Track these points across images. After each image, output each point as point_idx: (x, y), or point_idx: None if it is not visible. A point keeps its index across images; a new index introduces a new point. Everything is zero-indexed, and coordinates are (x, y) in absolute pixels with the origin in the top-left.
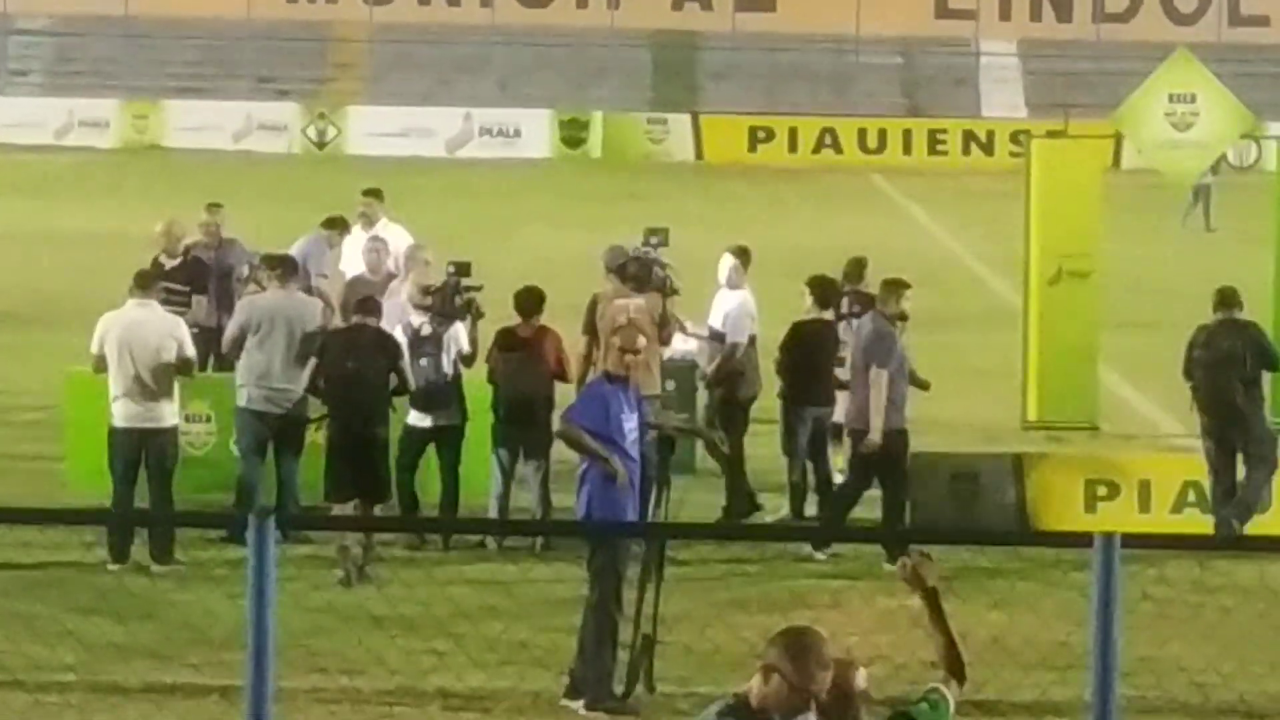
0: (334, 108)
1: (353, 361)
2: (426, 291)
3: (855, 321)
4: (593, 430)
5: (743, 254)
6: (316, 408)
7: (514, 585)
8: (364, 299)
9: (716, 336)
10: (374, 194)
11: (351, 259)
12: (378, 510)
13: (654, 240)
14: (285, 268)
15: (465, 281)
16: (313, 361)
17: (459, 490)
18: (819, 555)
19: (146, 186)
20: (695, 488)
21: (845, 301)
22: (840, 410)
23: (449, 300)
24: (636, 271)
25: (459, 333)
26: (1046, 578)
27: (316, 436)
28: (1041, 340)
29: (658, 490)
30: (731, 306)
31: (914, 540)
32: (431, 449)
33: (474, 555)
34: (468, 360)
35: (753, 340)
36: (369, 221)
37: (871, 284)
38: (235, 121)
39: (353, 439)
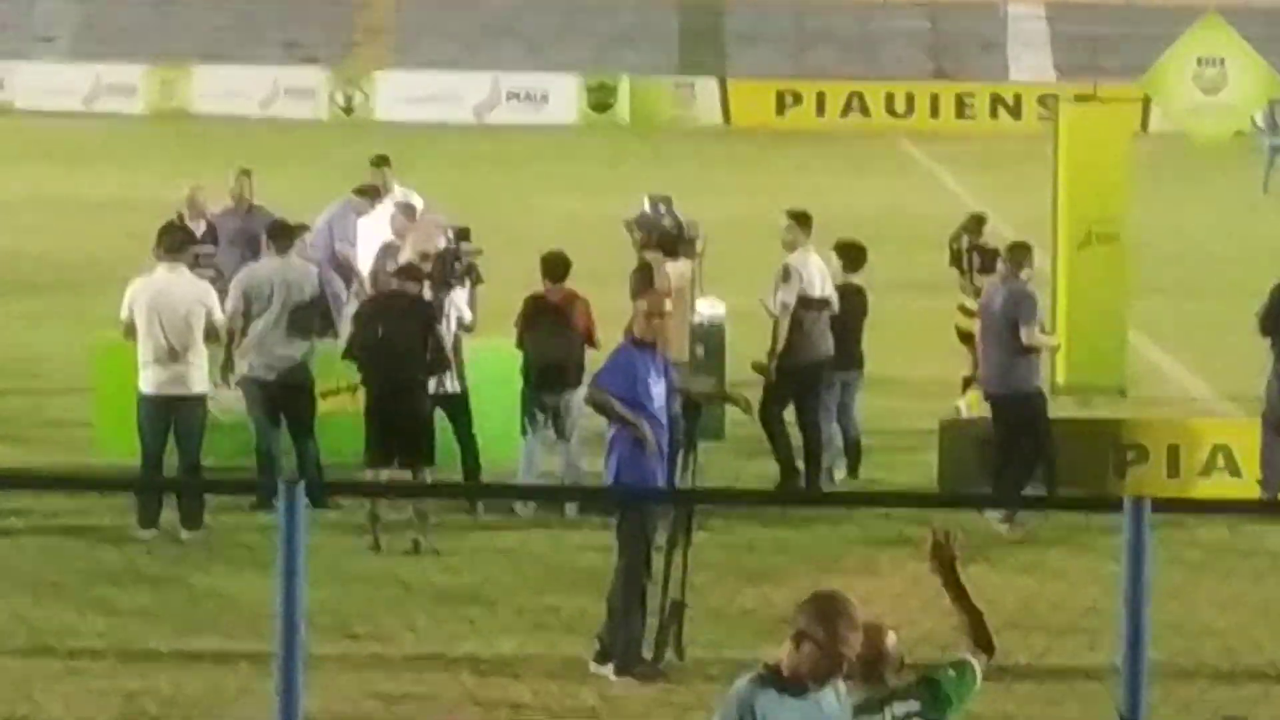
0: (362, 73)
1: (384, 327)
2: (425, 257)
3: (984, 278)
4: (621, 395)
5: (795, 217)
6: (342, 374)
7: (544, 551)
8: (405, 266)
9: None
10: (383, 161)
11: (376, 227)
12: (427, 476)
13: (660, 207)
14: (283, 235)
15: (465, 247)
16: (348, 328)
17: (478, 456)
18: (1003, 528)
19: (174, 152)
20: (725, 453)
21: (972, 257)
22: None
23: (449, 266)
24: (674, 234)
25: (458, 299)
26: (1076, 542)
27: (353, 403)
28: (1070, 305)
29: (684, 455)
30: (781, 264)
31: (942, 505)
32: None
33: (503, 522)
34: (468, 327)
35: (817, 303)
36: (382, 189)
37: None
38: (263, 87)
39: (387, 405)
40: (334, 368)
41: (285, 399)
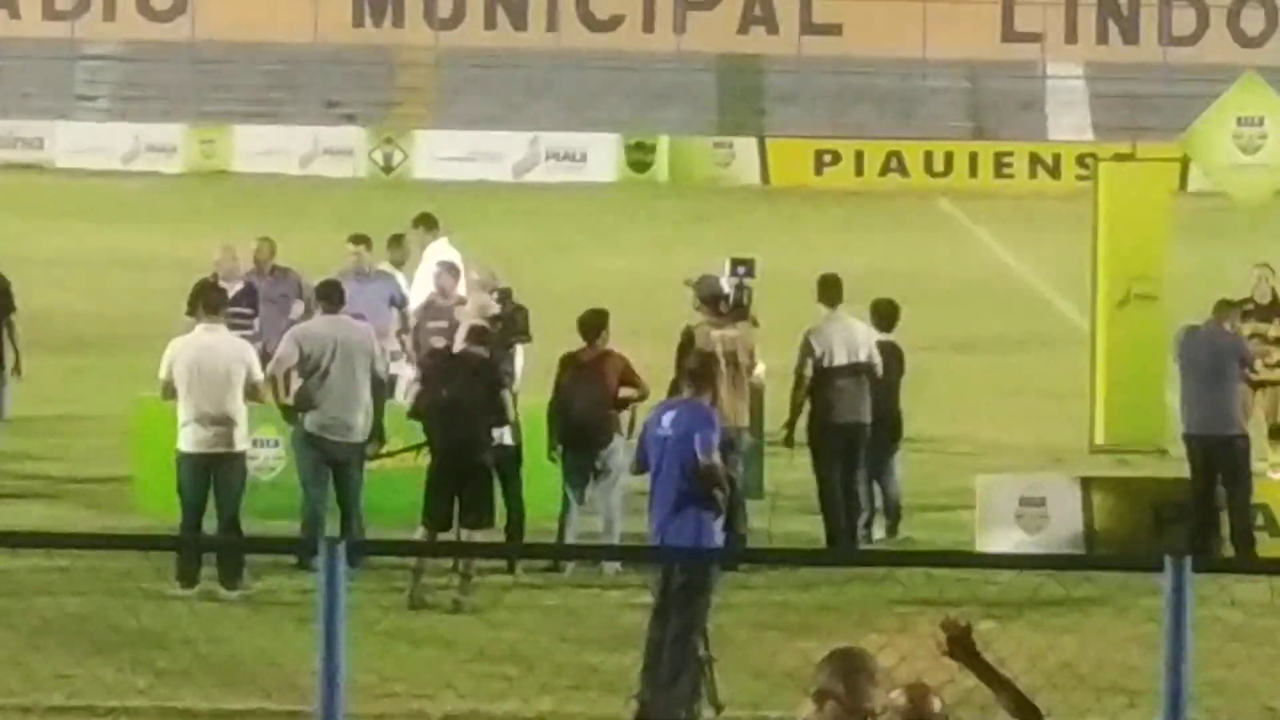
0: (400, 132)
1: (449, 389)
2: (495, 319)
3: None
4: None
5: (821, 282)
6: (407, 433)
7: (583, 609)
8: (474, 328)
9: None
10: (425, 221)
11: (420, 285)
12: (479, 536)
13: (740, 270)
14: (332, 294)
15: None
16: (415, 387)
17: (523, 514)
18: None
19: (213, 211)
20: (763, 512)
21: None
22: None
23: (520, 325)
24: (737, 299)
25: (517, 356)
26: (1116, 602)
27: (416, 462)
28: (1109, 363)
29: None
30: (803, 335)
31: (981, 565)
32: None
33: (543, 580)
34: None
35: (842, 370)
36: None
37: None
38: (302, 146)
39: (451, 466)
40: (399, 427)
41: (336, 457)
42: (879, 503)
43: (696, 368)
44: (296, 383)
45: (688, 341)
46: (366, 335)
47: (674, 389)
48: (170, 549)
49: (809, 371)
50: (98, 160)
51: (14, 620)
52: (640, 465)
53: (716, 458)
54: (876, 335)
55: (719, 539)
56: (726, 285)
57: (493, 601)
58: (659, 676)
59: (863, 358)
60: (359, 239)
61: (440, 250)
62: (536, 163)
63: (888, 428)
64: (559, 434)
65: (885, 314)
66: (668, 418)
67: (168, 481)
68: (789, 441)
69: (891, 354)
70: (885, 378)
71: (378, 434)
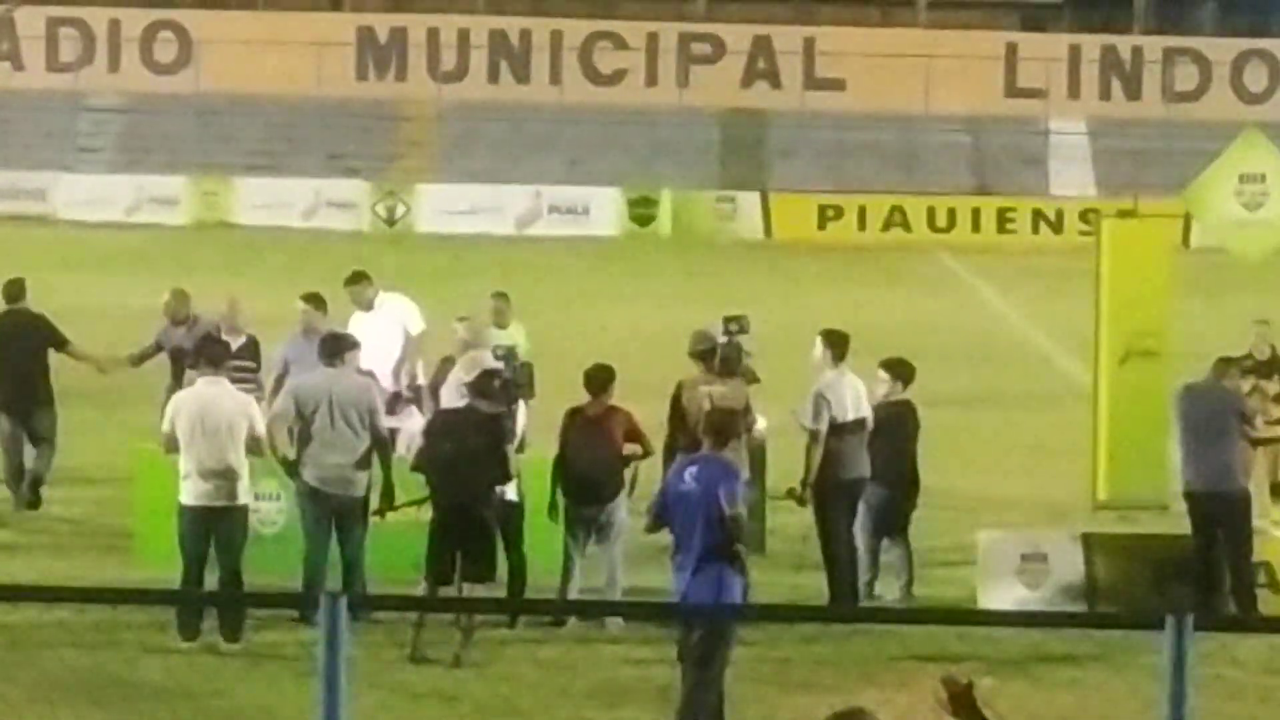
0: (403, 185)
1: (451, 443)
2: (490, 375)
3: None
4: None
5: (829, 337)
6: (410, 488)
7: (584, 665)
8: (477, 382)
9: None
10: (360, 278)
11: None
12: (480, 591)
13: (733, 327)
14: (333, 348)
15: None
16: (419, 441)
17: (524, 569)
18: None
19: (216, 264)
20: (765, 567)
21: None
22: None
23: (524, 380)
24: (726, 355)
25: (520, 413)
26: (1117, 659)
27: (416, 516)
28: (1112, 420)
29: None
30: (812, 391)
31: (982, 623)
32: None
33: (544, 634)
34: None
35: (850, 426)
36: (364, 304)
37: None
38: (304, 199)
39: (454, 521)
40: (401, 481)
41: (336, 510)
42: (885, 559)
43: (718, 421)
44: (295, 436)
45: (678, 397)
46: (365, 389)
47: (669, 445)
48: (171, 602)
49: (824, 428)
50: (100, 212)
51: (15, 673)
52: (656, 522)
53: (741, 509)
54: (896, 393)
55: (738, 594)
56: (720, 339)
57: (494, 656)
58: None
59: (864, 413)
60: (309, 298)
61: (390, 301)
62: (539, 216)
63: (906, 487)
64: (563, 488)
65: (901, 372)
66: (690, 472)
67: (169, 534)
68: (803, 500)
69: (907, 413)
70: (903, 437)
71: (385, 491)
